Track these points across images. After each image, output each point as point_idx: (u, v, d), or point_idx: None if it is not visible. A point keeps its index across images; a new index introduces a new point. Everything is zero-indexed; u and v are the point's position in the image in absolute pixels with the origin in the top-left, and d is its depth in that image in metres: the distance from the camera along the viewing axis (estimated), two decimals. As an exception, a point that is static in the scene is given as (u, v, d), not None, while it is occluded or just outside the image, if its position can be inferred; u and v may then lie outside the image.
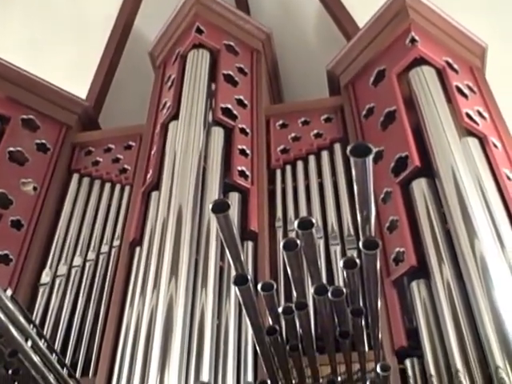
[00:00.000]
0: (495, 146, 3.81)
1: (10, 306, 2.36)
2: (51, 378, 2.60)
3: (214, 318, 3.08)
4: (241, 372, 2.98)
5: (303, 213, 3.86)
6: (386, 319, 3.09)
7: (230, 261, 2.07)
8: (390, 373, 2.45)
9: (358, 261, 2.04)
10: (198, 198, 3.63)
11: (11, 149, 4.40)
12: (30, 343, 2.50)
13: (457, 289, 3.00)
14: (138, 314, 3.24)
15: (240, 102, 4.51)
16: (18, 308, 2.44)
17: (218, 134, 4.21)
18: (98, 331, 3.47)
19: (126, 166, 4.54)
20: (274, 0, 6.15)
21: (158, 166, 4.13)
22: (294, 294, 2.26)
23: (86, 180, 4.57)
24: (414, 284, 3.20)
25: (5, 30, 6.22)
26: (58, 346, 3.44)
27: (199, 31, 4.87)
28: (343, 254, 3.54)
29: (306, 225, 1.92)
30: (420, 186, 3.56)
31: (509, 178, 3.58)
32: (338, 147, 4.31)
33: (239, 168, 4.01)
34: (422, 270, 3.22)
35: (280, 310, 2.25)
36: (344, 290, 2.16)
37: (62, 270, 3.90)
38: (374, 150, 1.64)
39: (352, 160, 1.66)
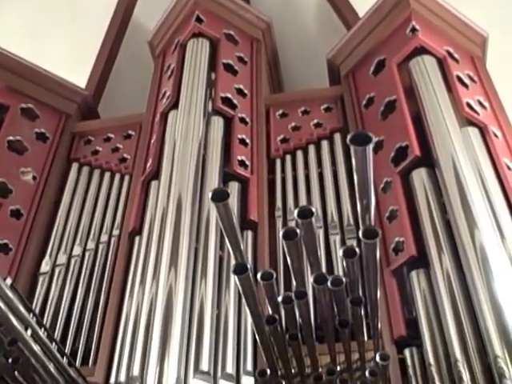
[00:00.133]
0: (495, 135, 3.80)
1: (10, 294, 2.37)
2: (51, 366, 2.61)
3: (213, 307, 3.09)
4: (240, 361, 2.98)
5: (303, 202, 3.86)
6: (385, 309, 3.10)
7: (230, 250, 2.07)
8: (389, 362, 2.46)
9: (357, 250, 2.05)
10: (198, 187, 3.63)
11: (10, 138, 4.39)
12: (29, 332, 2.51)
13: (456, 278, 3.00)
14: (137, 303, 3.24)
15: (240, 92, 4.50)
16: (18, 297, 2.44)
17: (217, 123, 4.21)
18: (97, 320, 3.48)
19: (125, 156, 4.53)
20: (274, -11, 6.13)
21: (157, 155, 4.12)
22: (294, 283, 2.26)
23: (85, 169, 4.56)
24: (413, 274, 3.20)
25: (3, 18, 6.19)
26: (57, 334, 3.44)
27: (199, 20, 4.85)
28: (343, 243, 3.54)
29: (305, 214, 1.92)
30: (420, 176, 3.56)
31: (509, 168, 3.58)
32: (337, 137, 4.30)
33: (239, 157, 4.00)
34: (421, 260, 3.22)
35: (279, 299, 2.25)
36: (343, 280, 2.16)
37: (62, 259, 3.90)
38: (374, 138, 1.64)
39: (352, 149, 1.66)
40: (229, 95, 4.37)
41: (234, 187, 3.84)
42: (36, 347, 2.50)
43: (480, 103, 4.01)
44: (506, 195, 3.40)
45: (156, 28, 5.20)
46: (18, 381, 2.57)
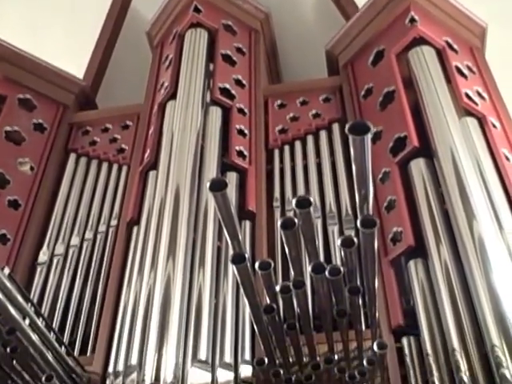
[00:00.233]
0: (494, 126, 3.80)
1: (8, 284, 2.37)
2: (49, 355, 2.62)
3: (211, 296, 3.09)
4: (238, 350, 2.99)
5: (301, 193, 3.86)
6: (383, 298, 3.10)
7: (228, 239, 2.07)
8: (387, 351, 2.47)
9: (355, 240, 2.05)
10: (196, 177, 3.63)
11: (8, 128, 4.38)
12: (27, 322, 2.51)
13: (454, 268, 3.00)
14: (135, 293, 3.25)
15: (238, 82, 4.48)
16: (16, 287, 2.45)
17: (215, 113, 4.20)
18: (95, 309, 3.48)
19: (123, 146, 4.52)
20: (273, -21, 6.09)
21: (155, 145, 4.12)
22: (292, 273, 2.26)
23: (83, 160, 4.55)
24: (411, 264, 3.20)
25: (1, 8, 6.16)
26: (55, 324, 3.45)
27: (197, 10, 4.83)
28: (341, 233, 3.54)
29: (303, 203, 1.92)
30: (418, 166, 3.55)
31: (507, 159, 3.58)
32: (336, 127, 4.30)
33: (237, 148, 4.00)
34: (419, 250, 3.22)
35: (277, 288, 2.25)
36: (341, 269, 2.16)
37: (60, 249, 3.90)
38: (373, 128, 1.63)
39: (350, 138, 1.66)
40: (227, 86, 4.36)
41: (232, 178, 3.84)
42: (34, 336, 2.51)
43: (479, 94, 4.01)
44: (504, 185, 3.40)
45: (154, 18, 5.18)
46: (16, 370, 2.58)
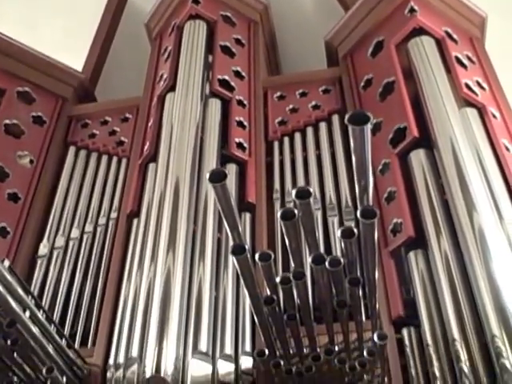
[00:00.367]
0: (494, 116, 3.79)
1: (8, 277, 2.37)
2: (50, 348, 2.62)
3: (211, 288, 3.09)
4: (239, 342, 2.99)
5: (301, 184, 3.85)
6: (383, 289, 3.10)
7: (228, 231, 2.07)
8: (387, 342, 2.47)
9: (355, 230, 2.04)
10: (196, 169, 3.63)
11: (7, 121, 4.37)
12: (28, 314, 2.51)
13: (454, 259, 3.01)
14: (136, 285, 3.25)
15: (237, 74, 4.47)
16: (16, 279, 2.45)
17: (215, 105, 4.19)
18: (96, 302, 3.48)
19: (122, 139, 4.51)
20: (272, -30, 6.06)
21: (154, 137, 4.11)
22: (292, 264, 2.26)
23: (82, 153, 4.55)
24: (411, 254, 3.20)
25: (0, 4, 6.14)
26: (56, 316, 3.45)
27: (196, 2, 4.81)
28: (341, 225, 3.54)
29: (303, 194, 1.92)
30: (418, 157, 3.55)
31: (507, 149, 3.57)
32: (336, 119, 4.29)
33: (237, 140, 3.99)
34: (419, 241, 3.22)
35: (278, 279, 2.25)
36: (341, 260, 2.16)
37: (60, 241, 3.90)
38: (372, 119, 1.63)
39: (350, 128, 1.65)
40: (226, 77, 4.35)
41: (231, 169, 3.84)
42: (35, 329, 2.51)
43: (479, 84, 4.00)
44: (504, 176, 3.39)
45: (153, 10, 5.16)
46: (17, 362, 2.59)
